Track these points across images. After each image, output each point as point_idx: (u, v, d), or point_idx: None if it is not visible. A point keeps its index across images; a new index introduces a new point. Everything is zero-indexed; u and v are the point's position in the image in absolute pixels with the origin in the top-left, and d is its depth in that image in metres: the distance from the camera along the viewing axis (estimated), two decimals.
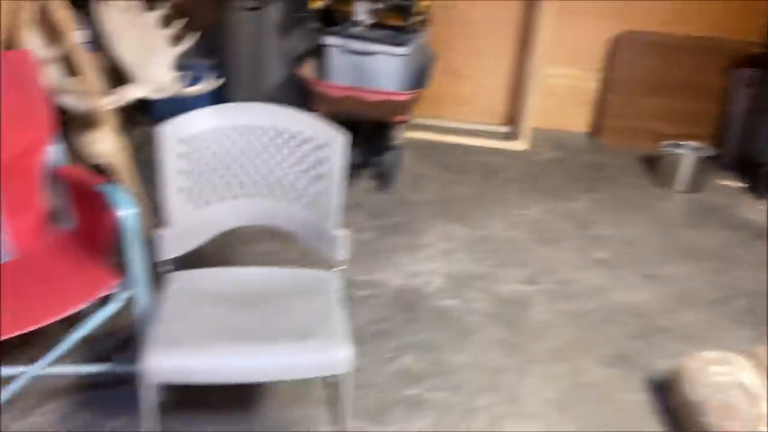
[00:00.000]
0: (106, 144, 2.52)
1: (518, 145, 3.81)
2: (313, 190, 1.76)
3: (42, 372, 1.60)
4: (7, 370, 1.59)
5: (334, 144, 1.71)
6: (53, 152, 1.81)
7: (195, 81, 3.43)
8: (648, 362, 2.18)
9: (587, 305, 2.46)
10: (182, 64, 3.46)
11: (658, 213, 3.23)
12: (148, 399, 1.46)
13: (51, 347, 1.64)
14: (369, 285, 2.45)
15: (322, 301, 1.66)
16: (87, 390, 1.86)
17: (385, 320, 2.27)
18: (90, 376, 1.89)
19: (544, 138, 3.93)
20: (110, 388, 1.87)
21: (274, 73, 3.51)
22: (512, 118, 4.01)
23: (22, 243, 1.82)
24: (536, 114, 3.86)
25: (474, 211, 3.07)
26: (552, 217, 3.09)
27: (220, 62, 3.58)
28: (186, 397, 1.80)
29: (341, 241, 1.74)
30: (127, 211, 1.58)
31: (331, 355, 1.47)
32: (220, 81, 3.43)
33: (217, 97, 3.46)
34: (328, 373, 1.55)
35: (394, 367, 2.07)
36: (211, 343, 1.46)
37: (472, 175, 3.44)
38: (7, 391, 1.56)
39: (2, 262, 1.77)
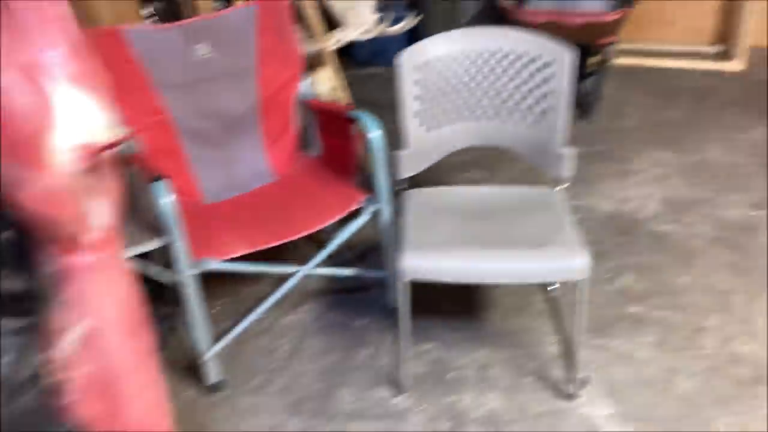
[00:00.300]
0: (329, 83, 2.78)
1: (733, 66, 3.48)
2: (539, 108, 1.81)
3: (309, 272, 1.88)
4: (284, 269, 1.89)
5: (561, 61, 1.74)
6: (302, 87, 2.06)
7: (396, 21, 3.59)
8: None
9: None
10: (381, 6, 3.63)
11: None
12: (403, 296, 1.66)
13: (302, 258, 1.90)
14: (580, 209, 2.47)
15: (552, 215, 1.73)
16: (334, 294, 2.15)
17: (600, 242, 2.29)
18: (338, 281, 2.18)
19: (763, 57, 3.53)
20: (354, 292, 2.14)
21: (470, 7, 3.55)
22: (725, 37, 3.65)
23: (280, 167, 2.11)
24: (753, 31, 3.47)
25: (686, 136, 2.90)
26: None
27: (416, 1, 3.69)
28: (421, 305, 2.00)
29: (568, 158, 1.78)
30: (375, 133, 1.77)
31: (569, 261, 1.55)
32: (418, 18, 3.56)
33: (414, 35, 3.59)
34: (566, 278, 1.63)
35: (614, 286, 2.09)
36: (456, 246, 1.61)
37: (682, 99, 3.23)
38: (284, 288, 1.87)
39: (266, 183, 2.08)
